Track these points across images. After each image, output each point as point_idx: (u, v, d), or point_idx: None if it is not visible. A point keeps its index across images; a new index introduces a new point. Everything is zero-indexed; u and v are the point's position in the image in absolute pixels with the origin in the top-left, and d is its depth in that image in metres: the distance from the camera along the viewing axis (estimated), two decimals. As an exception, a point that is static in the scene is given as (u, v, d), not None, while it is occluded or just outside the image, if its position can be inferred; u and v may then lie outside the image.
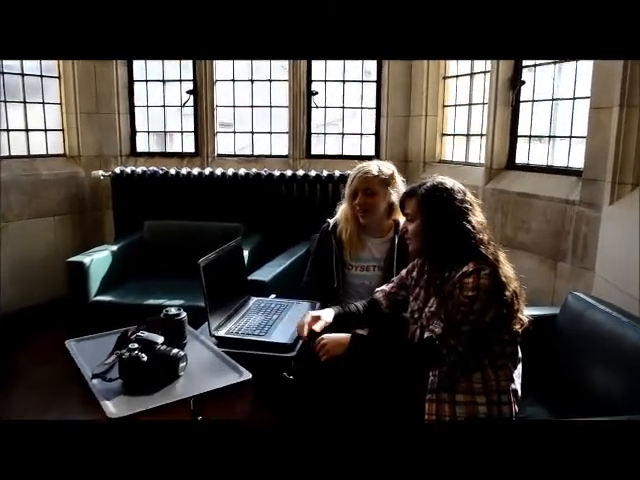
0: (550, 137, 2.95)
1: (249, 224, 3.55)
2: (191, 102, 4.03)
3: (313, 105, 3.97)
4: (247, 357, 1.68)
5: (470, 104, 3.54)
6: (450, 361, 1.57)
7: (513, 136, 3.13)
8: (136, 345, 1.41)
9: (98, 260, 3.00)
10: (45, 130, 3.89)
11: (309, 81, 3.95)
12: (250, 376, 1.43)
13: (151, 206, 3.72)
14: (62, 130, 3.98)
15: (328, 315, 1.84)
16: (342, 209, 2.26)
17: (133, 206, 3.76)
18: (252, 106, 4.08)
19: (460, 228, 1.61)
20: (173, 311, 1.59)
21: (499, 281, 1.55)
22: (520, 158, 3.12)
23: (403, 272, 1.90)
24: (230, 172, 3.68)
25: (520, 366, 1.67)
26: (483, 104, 3.34)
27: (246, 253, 3.03)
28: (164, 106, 4.15)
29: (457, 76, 3.65)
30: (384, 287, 1.94)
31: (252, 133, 4.13)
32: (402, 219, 2.20)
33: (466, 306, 1.53)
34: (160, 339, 1.46)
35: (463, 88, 3.61)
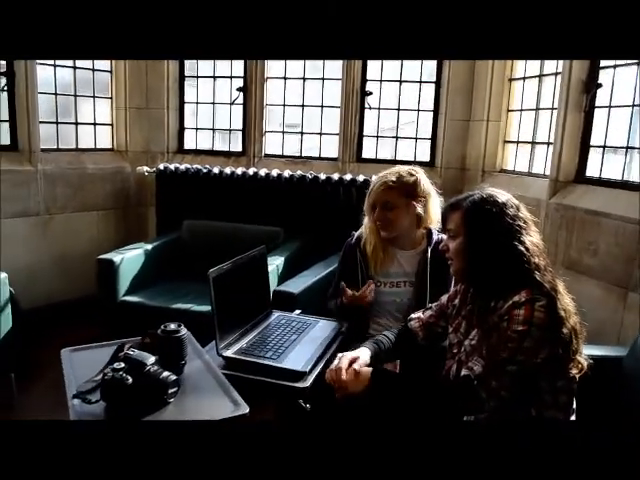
0: (628, 148, 2.60)
1: (290, 229, 3.37)
2: (241, 100, 3.90)
3: (367, 106, 3.75)
4: (258, 380, 1.50)
5: (537, 109, 3.22)
6: (490, 407, 1.32)
7: (584, 146, 2.78)
8: (122, 365, 1.24)
9: (129, 259, 2.90)
10: (94, 124, 3.87)
11: (363, 80, 3.73)
12: (247, 410, 1.23)
13: (192, 205, 3.62)
14: (111, 125, 3.95)
15: (364, 356, 1.55)
16: (366, 221, 2.05)
17: (175, 204, 3.67)
18: (303, 105, 3.90)
19: (511, 249, 1.37)
20: (172, 327, 1.41)
21: (556, 315, 1.31)
22: (591, 171, 2.77)
23: (444, 299, 1.66)
24: (274, 173, 3.52)
25: (574, 419, 1.40)
26: (552, 109, 3.01)
27: (282, 260, 2.87)
28: (213, 103, 4.04)
29: (524, 78, 3.33)
30: (421, 314, 1.70)
31: (301, 133, 3.96)
32: (434, 226, 1.98)
33: (514, 342, 1.29)
34: (151, 359, 1.28)
35: (530, 91, 3.29)
